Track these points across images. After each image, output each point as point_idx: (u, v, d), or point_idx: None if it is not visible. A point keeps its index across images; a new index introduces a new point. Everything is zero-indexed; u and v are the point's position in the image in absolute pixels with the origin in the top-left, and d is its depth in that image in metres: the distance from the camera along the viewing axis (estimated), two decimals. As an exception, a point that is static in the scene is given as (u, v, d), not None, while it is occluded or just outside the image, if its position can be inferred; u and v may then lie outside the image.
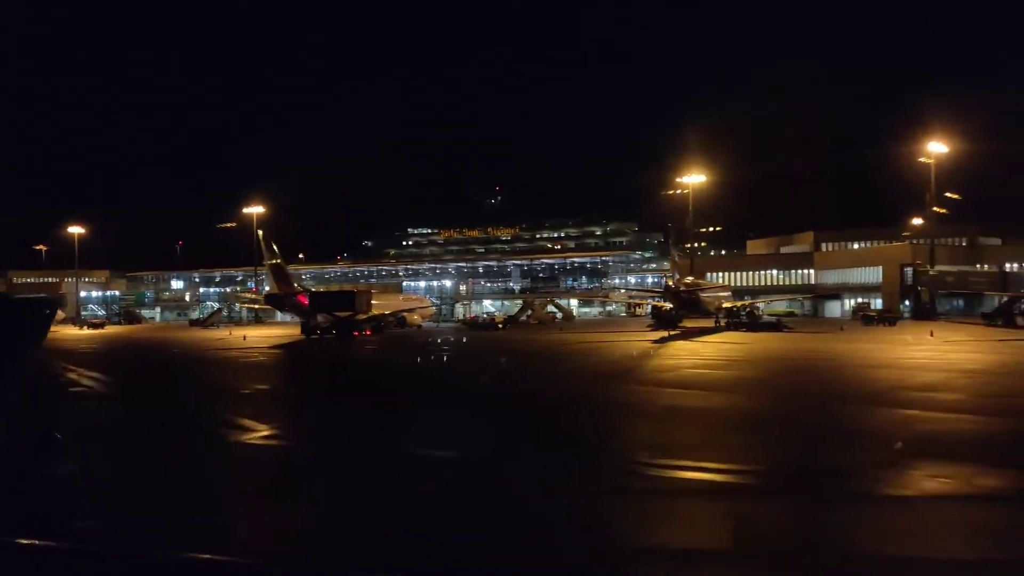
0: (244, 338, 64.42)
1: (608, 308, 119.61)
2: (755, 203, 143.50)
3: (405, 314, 77.60)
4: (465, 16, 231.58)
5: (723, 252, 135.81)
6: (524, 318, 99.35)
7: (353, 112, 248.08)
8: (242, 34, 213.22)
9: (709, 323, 70.70)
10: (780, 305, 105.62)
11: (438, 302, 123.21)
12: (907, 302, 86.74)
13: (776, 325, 67.72)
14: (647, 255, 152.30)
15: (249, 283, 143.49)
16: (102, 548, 3.96)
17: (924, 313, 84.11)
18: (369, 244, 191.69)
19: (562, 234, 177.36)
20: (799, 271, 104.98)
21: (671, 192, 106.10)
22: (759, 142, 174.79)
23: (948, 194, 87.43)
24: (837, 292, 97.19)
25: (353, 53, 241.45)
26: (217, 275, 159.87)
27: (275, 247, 68.50)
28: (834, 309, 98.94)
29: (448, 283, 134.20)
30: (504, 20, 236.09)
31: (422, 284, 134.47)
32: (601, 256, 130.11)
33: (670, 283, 70.24)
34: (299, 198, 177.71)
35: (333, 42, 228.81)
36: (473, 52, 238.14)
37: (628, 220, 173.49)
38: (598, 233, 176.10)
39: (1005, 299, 68.60)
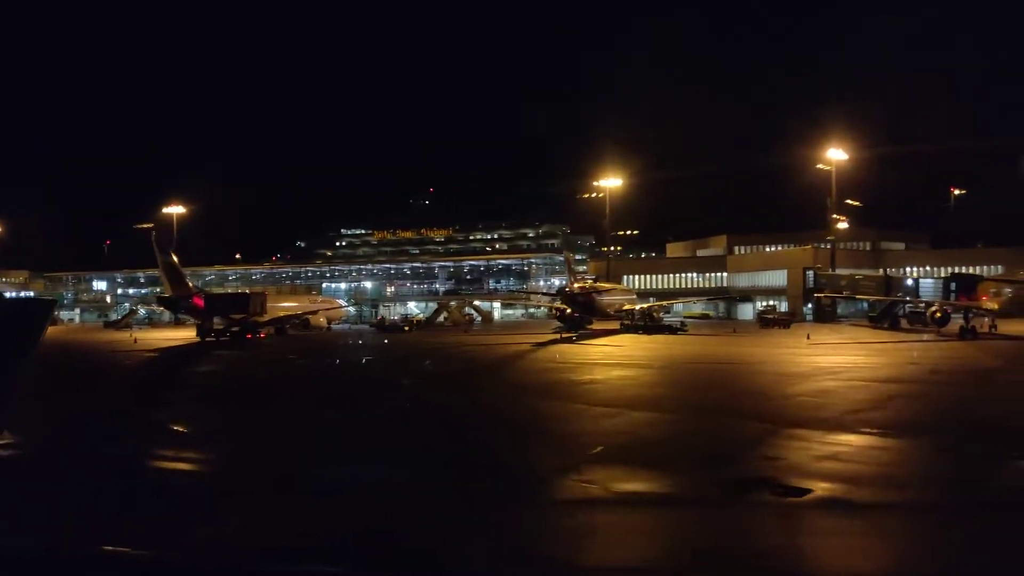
0: (135, 340, 63.43)
1: (531, 310, 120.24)
2: (678, 207, 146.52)
3: (310, 316, 77.11)
4: (398, 18, 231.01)
5: (642, 255, 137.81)
6: (440, 320, 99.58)
7: (292, 112, 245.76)
8: (172, 31, 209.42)
9: (615, 325, 71.77)
10: (697, 307, 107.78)
11: (357, 304, 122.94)
12: (810, 305, 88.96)
13: (671, 328, 69.09)
14: (574, 256, 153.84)
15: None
16: (102, 548, 3.99)
17: (825, 316, 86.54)
18: (303, 245, 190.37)
19: (495, 236, 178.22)
20: (714, 274, 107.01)
21: (588, 196, 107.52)
22: (682, 147, 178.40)
23: (849, 201, 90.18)
24: (747, 295, 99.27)
25: (290, 53, 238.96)
26: (141, 275, 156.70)
27: (165, 246, 67.46)
28: (746, 311, 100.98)
29: (372, 284, 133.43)
30: (432, 19, 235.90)
31: (343, 286, 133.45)
32: (526, 258, 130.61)
33: (571, 287, 70.82)
34: (238, 198, 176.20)
35: (264, 43, 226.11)
36: (407, 53, 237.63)
37: (560, 222, 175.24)
38: (530, 235, 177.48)
39: (887, 302, 71.05)
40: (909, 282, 72.85)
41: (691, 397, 26.66)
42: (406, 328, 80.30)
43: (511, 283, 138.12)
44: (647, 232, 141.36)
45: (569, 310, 71.22)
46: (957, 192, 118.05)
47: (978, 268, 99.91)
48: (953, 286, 63.71)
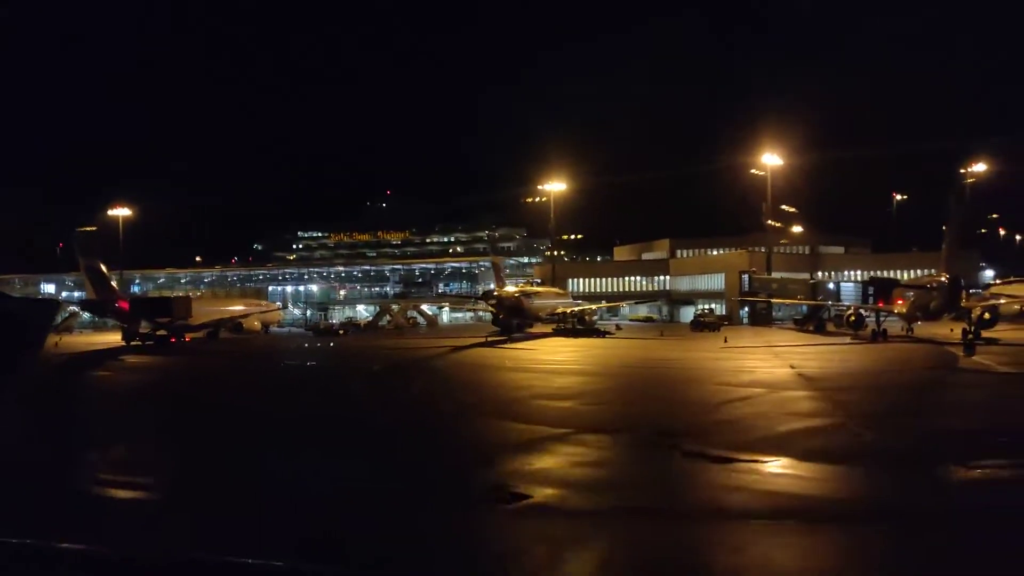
0: (56, 345, 62.77)
1: (481, 314, 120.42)
2: (629, 210, 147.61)
3: (244, 320, 76.67)
4: (352, 21, 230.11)
5: (597, 258, 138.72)
6: (383, 323, 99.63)
7: (255, 116, 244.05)
8: (124, 31, 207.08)
9: (550, 328, 72.48)
10: (642, 310, 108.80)
11: (306, 307, 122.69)
12: (746, 308, 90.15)
13: (599, 331, 69.84)
14: (526, 260, 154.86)
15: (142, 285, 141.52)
16: (102, 549, 3.97)
17: (760, 319, 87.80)
18: (260, 248, 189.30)
19: (451, 239, 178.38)
20: (657, 277, 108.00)
21: (535, 200, 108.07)
22: (632, 151, 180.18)
23: (785, 207, 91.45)
24: (687, 298, 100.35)
25: (253, 57, 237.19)
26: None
27: (89, 250, 66.71)
28: (688, 314, 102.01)
29: (319, 288, 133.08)
30: (390, 22, 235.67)
31: (291, 289, 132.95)
32: (476, 261, 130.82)
33: (498, 291, 71.04)
34: (202, 201, 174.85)
35: (224, 48, 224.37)
36: (367, 57, 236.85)
37: (517, 225, 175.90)
38: (486, 238, 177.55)
39: (809, 306, 72.30)
40: (831, 286, 74.18)
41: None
42: (341, 332, 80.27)
43: (462, 286, 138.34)
44: (599, 235, 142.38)
45: (502, 315, 71.62)
46: (899, 197, 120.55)
47: (913, 272, 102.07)
48: (871, 290, 64.96)
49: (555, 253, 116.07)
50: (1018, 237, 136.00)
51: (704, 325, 76.75)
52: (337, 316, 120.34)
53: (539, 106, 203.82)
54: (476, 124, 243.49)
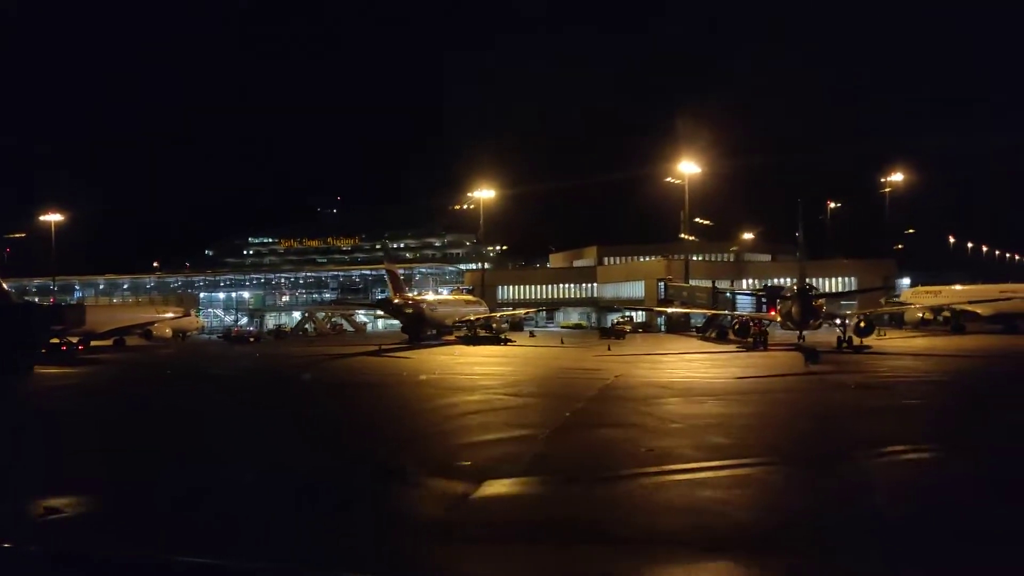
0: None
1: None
2: (567, 216, 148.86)
3: (153, 327, 76.41)
4: (302, 25, 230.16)
5: (524, 264, 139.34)
6: (309, 329, 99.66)
7: (209, 121, 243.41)
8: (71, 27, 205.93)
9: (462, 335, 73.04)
10: (574, 317, 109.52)
11: (245, 313, 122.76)
12: (663, 316, 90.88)
13: (499, 339, 70.04)
14: (476, 266, 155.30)
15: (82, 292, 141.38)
16: (102, 550, 4.05)
17: (676, 327, 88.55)
18: (211, 253, 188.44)
19: (401, 245, 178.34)
20: (586, 284, 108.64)
21: (463, 207, 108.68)
22: (572, 159, 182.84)
23: (699, 217, 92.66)
24: (613, 305, 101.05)
25: (206, 62, 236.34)
26: (34, 284, 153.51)
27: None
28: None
29: (252, 294, 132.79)
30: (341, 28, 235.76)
31: (222, 295, 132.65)
32: (414, 268, 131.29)
33: (395, 298, 71.37)
34: (157, 205, 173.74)
35: (174, 45, 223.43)
36: (320, 59, 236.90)
37: (467, 232, 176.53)
38: (437, 244, 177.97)
39: (706, 315, 73.17)
40: (728, 294, 75.14)
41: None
42: (251, 339, 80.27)
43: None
44: (541, 241, 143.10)
45: (404, 323, 72.00)
46: (833, 205, 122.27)
47: (834, 279, 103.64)
48: (764, 299, 65.98)
49: (483, 265, 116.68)
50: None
51: (611, 333, 77.43)
52: (272, 322, 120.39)
53: (485, 115, 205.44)
54: (426, 130, 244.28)
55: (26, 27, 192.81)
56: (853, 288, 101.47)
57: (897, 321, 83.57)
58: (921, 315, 79.63)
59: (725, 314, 71.11)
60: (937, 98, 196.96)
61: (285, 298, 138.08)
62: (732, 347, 58.40)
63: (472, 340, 70.11)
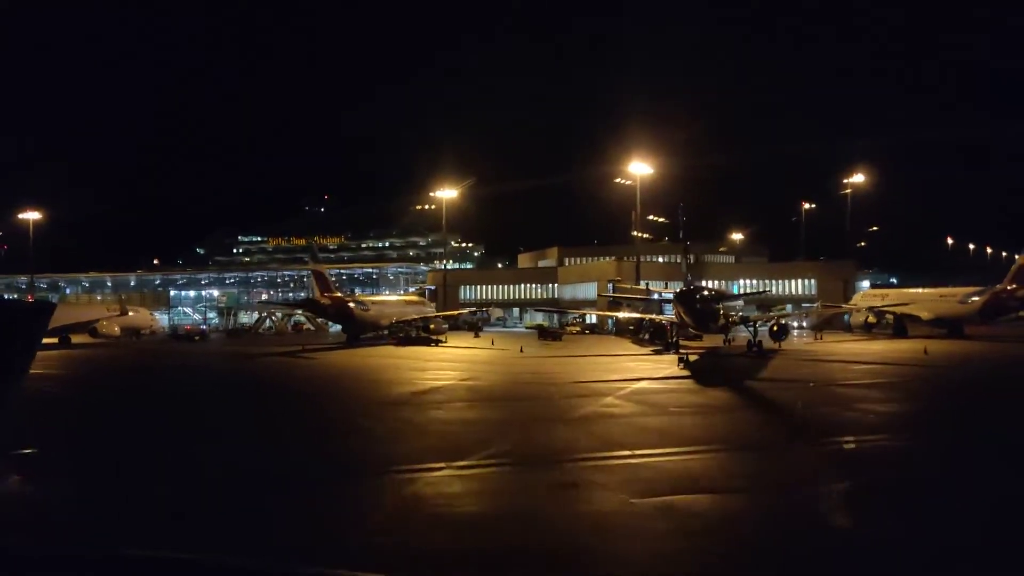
0: None
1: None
2: (539, 216, 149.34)
3: (100, 324, 77.14)
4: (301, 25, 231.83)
5: (499, 264, 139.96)
6: (268, 327, 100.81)
7: (205, 118, 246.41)
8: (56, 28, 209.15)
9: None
10: (538, 318, 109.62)
11: (224, 311, 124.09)
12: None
13: (430, 340, 70.30)
14: (458, 266, 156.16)
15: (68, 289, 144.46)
16: (102, 549, 3.97)
17: (624, 328, 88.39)
18: (201, 251, 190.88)
19: (386, 244, 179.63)
20: (548, 285, 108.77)
21: (426, 207, 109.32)
22: (541, 159, 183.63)
23: (653, 216, 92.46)
24: (571, 306, 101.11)
25: (199, 57, 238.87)
26: (23, 281, 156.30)
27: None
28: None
29: (225, 292, 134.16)
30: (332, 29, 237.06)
31: (192, 292, 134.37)
32: (382, 267, 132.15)
33: (320, 298, 71.68)
34: (154, 203, 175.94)
35: (167, 45, 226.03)
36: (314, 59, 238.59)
37: (450, 231, 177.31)
38: (421, 244, 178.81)
39: (634, 318, 72.99)
40: (655, 296, 75.03)
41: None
42: (196, 338, 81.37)
43: (379, 291, 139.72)
44: (518, 242, 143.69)
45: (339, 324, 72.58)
46: (807, 206, 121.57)
47: (795, 282, 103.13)
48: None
49: (445, 264, 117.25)
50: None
51: (548, 335, 77.70)
52: (248, 321, 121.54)
53: (472, 115, 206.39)
54: (416, 128, 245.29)
55: (16, 23, 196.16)
56: (813, 291, 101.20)
57: (848, 325, 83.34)
58: (864, 318, 79.14)
59: (653, 317, 71.04)
60: (909, 92, 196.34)
61: (264, 296, 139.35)
62: (647, 349, 58.49)
63: (405, 341, 70.51)
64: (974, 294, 72.37)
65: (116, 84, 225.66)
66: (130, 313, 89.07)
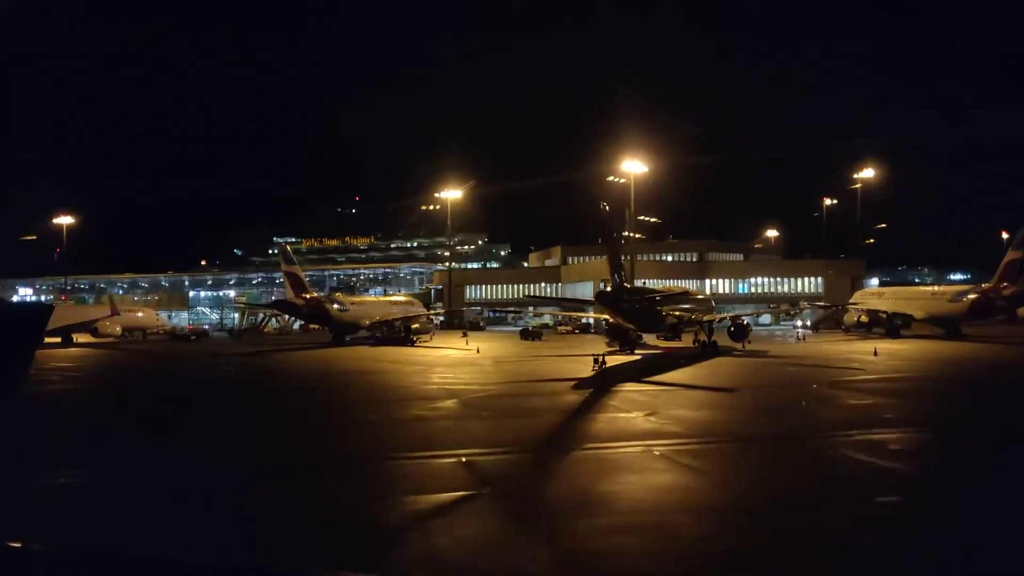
0: None
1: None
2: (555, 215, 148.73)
3: (101, 324, 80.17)
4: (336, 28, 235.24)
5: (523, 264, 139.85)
6: (271, 328, 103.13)
7: (237, 119, 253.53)
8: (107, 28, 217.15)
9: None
10: (546, 318, 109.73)
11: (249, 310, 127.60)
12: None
13: (407, 340, 70.99)
14: (483, 265, 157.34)
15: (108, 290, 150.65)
16: (102, 549, 4.04)
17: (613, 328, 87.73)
18: (239, 252, 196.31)
19: (414, 244, 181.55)
20: (551, 284, 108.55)
21: (430, 206, 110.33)
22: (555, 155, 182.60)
23: (649, 217, 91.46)
24: (569, 306, 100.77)
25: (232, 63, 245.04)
26: (69, 284, 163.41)
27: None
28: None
29: (254, 291, 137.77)
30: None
31: (209, 293, 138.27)
32: (395, 267, 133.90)
33: (298, 298, 73.06)
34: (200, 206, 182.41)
35: (202, 53, 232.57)
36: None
37: (479, 231, 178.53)
38: (448, 243, 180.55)
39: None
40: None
41: None
42: (192, 337, 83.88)
43: (397, 291, 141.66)
44: (532, 240, 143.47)
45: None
46: (829, 202, 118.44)
47: (802, 280, 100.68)
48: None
49: (450, 264, 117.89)
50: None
51: (529, 334, 77.72)
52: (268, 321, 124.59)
53: (496, 114, 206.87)
54: (440, 129, 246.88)
55: (51, 21, 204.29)
56: (819, 290, 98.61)
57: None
58: (857, 318, 77.01)
59: (606, 318, 70.47)
60: (922, 91, 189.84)
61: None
62: (614, 348, 57.87)
63: (382, 341, 71.43)
64: (963, 292, 69.86)
65: (159, 89, 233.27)
66: (139, 314, 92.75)
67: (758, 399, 29.60)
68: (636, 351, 54.17)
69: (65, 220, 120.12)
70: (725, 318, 58.45)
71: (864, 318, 76.06)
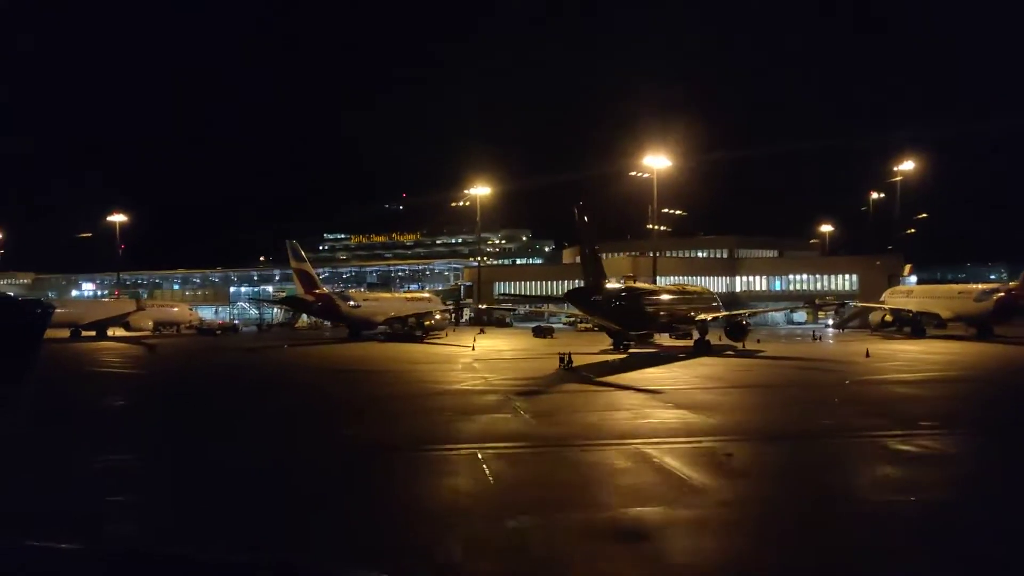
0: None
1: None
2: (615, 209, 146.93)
3: (130, 319, 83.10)
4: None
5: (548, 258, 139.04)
6: (301, 323, 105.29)
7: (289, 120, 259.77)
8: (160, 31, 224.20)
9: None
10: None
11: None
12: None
13: (416, 337, 71.48)
14: (526, 261, 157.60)
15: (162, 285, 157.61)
16: (102, 548, 4.09)
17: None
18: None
19: (458, 240, 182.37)
20: (575, 282, 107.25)
21: (461, 204, 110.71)
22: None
23: (667, 209, 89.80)
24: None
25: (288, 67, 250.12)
26: (127, 279, 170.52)
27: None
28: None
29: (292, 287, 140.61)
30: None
31: (246, 289, 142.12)
32: (434, 263, 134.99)
33: (306, 294, 74.34)
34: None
35: (252, 56, 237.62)
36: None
37: (522, 227, 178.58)
38: (494, 240, 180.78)
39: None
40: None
41: None
42: (218, 332, 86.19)
43: (433, 286, 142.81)
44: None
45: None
46: (875, 195, 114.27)
47: (838, 277, 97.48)
48: None
49: (480, 260, 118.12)
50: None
51: (543, 332, 77.40)
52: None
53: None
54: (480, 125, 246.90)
55: (120, 25, 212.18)
56: (855, 287, 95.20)
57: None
58: (882, 317, 74.23)
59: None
60: (963, 80, 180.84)
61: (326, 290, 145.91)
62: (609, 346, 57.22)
63: (392, 337, 72.09)
64: (989, 292, 66.56)
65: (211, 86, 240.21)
66: (174, 309, 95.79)
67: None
68: (630, 350, 53.34)
69: (118, 218, 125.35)
70: (719, 317, 56.75)
71: (889, 317, 73.28)
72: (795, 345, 59.88)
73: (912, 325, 69.90)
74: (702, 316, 54.98)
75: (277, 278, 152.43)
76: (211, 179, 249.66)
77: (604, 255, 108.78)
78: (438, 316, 79.28)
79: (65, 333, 76.96)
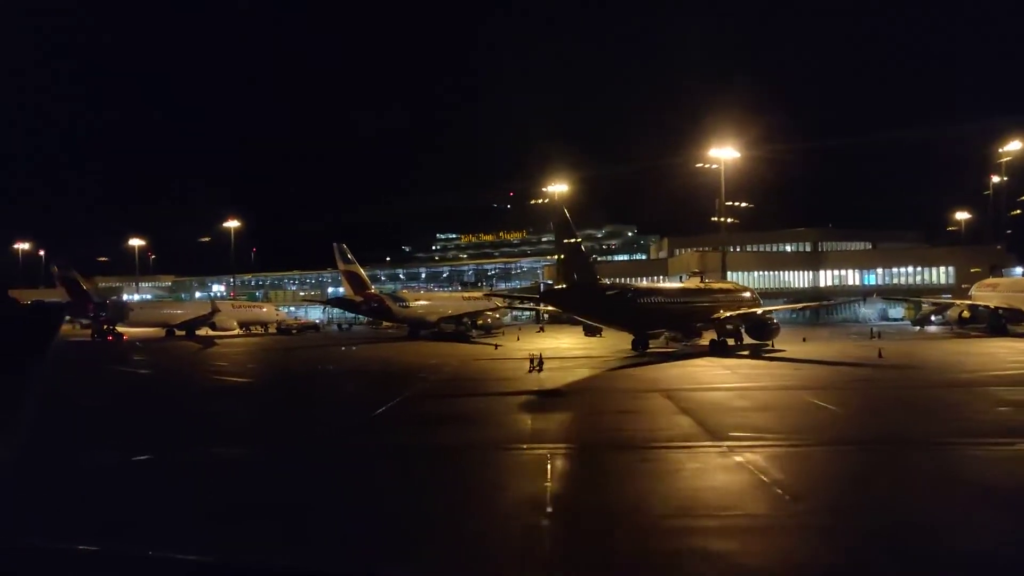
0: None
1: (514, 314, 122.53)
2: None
3: (215, 319, 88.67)
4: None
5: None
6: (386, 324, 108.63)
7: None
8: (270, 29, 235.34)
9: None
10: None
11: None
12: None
13: (462, 336, 72.32)
14: (627, 257, 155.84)
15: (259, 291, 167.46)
16: (103, 548, 4.20)
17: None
18: (407, 249, 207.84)
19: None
20: (657, 277, 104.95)
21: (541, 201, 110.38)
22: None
23: (735, 203, 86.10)
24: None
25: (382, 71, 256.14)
26: (252, 280, 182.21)
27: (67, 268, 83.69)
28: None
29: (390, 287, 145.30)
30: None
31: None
32: (520, 261, 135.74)
33: (355, 295, 76.72)
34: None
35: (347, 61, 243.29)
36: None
37: (628, 223, 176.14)
38: (598, 236, 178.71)
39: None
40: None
41: None
42: (294, 331, 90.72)
43: (521, 284, 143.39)
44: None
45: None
46: (997, 179, 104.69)
47: (934, 269, 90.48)
48: None
49: (559, 257, 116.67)
50: None
51: (592, 330, 76.13)
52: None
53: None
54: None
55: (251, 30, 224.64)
56: (952, 280, 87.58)
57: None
58: (959, 313, 68.23)
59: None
60: None
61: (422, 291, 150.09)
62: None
63: (439, 336, 73.18)
64: (1069, 285, 59.59)
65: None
66: (263, 309, 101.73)
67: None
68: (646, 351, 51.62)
69: (232, 224, 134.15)
70: (732, 315, 53.31)
71: (966, 313, 67.21)
72: (835, 346, 55.23)
73: (990, 321, 63.77)
74: (717, 315, 52.54)
75: (382, 278, 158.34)
76: (325, 182, 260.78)
77: (683, 250, 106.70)
78: (491, 315, 79.51)
79: (161, 332, 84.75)
